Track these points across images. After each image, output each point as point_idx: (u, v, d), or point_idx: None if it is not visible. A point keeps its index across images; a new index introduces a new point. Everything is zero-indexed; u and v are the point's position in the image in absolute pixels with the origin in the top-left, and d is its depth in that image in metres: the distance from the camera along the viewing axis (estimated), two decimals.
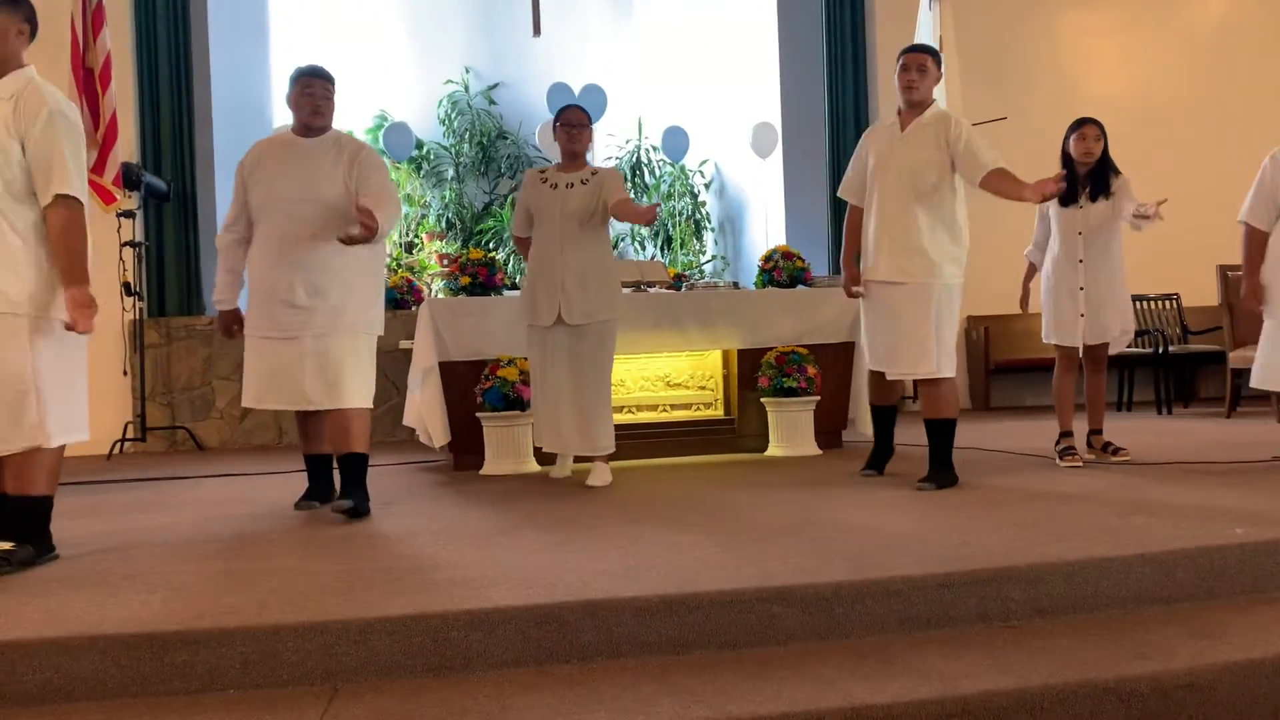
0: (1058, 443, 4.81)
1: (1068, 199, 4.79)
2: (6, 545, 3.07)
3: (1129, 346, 5.33)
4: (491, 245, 9.03)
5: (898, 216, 4.25)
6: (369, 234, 3.74)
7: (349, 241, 3.77)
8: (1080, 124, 4.85)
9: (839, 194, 4.65)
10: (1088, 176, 4.80)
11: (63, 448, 3.21)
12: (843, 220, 4.68)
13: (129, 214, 7.15)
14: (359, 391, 3.99)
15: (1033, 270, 5.10)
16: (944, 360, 4.22)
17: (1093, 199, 4.78)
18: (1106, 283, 4.79)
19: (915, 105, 4.32)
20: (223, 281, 4.14)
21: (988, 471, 4.58)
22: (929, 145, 4.23)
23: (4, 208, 3.07)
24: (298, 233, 3.90)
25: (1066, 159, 4.85)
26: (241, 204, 4.06)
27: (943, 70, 4.38)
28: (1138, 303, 8.10)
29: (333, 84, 4.10)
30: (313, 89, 4.02)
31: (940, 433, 4.25)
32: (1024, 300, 5.15)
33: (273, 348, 3.96)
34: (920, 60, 4.33)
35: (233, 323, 4.16)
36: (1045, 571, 2.68)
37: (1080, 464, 4.67)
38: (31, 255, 3.10)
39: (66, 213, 3.11)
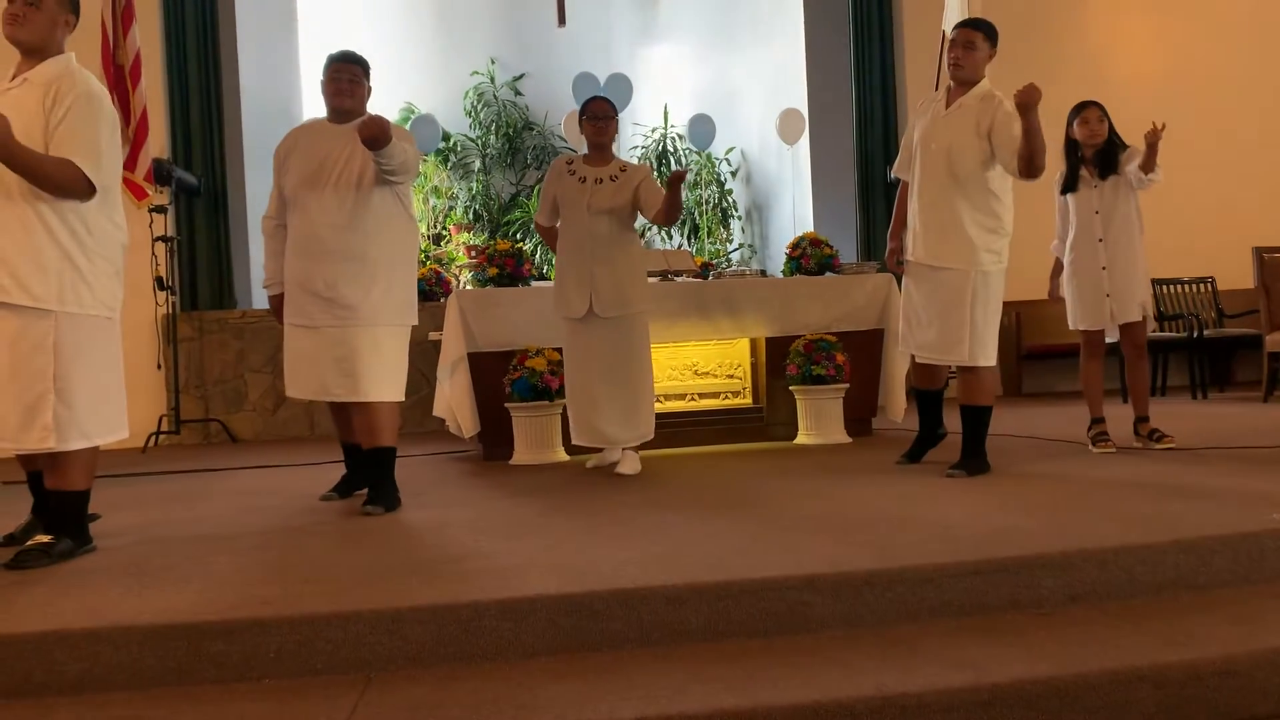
0: (1089, 428, 4.76)
1: (1066, 187, 4.78)
2: (45, 538, 3.12)
3: (1160, 330, 5.27)
4: (519, 236, 9.05)
5: (936, 199, 4.16)
6: (368, 129, 3.62)
7: (365, 138, 3.64)
8: (1082, 108, 4.79)
9: (893, 173, 4.58)
10: (1095, 157, 4.75)
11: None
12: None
13: (161, 209, 7.22)
14: (380, 384, 3.91)
15: (1059, 265, 5.02)
16: (978, 348, 4.13)
17: (1103, 177, 4.73)
18: (1128, 260, 4.72)
19: (963, 83, 4.20)
20: (271, 267, 4.12)
21: (1019, 458, 4.54)
22: (968, 129, 4.10)
23: (33, 200, 3.02)
24: (321, 219, 3.88)
25: (1070, 145, 4.81)
26: (279, 190, 4.07)
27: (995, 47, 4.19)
28: (1172, 286, 8.02)
29: (363, 68, 4.06)
30: (340, 73, 4.00)
31: (975, 420, 4.19)
32: (1053, 293, 5.07)
33: (300, 336, 3.96)
34: (968, 36, 4.18)
35: (284, 306, 4.11)
36: (1078, 558, 2.65)
37: (1113, 450, 4.62)
38: (60, 250, 3.05)
39: (76, 175, 3.02)
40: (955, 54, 4.18)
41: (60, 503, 3.17)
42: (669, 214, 4.53)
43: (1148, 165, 4.59)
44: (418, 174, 3.82)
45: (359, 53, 4.11)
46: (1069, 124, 4.82)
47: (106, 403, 3.18)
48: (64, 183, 3.03)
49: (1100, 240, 4.72)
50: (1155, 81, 8.64)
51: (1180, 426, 5.07)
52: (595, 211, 4.64)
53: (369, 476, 3.97)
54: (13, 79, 3.16)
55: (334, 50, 4.13)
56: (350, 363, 3.87)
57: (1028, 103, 3.86)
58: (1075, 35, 8.84)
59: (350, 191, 3.88)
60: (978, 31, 4.21)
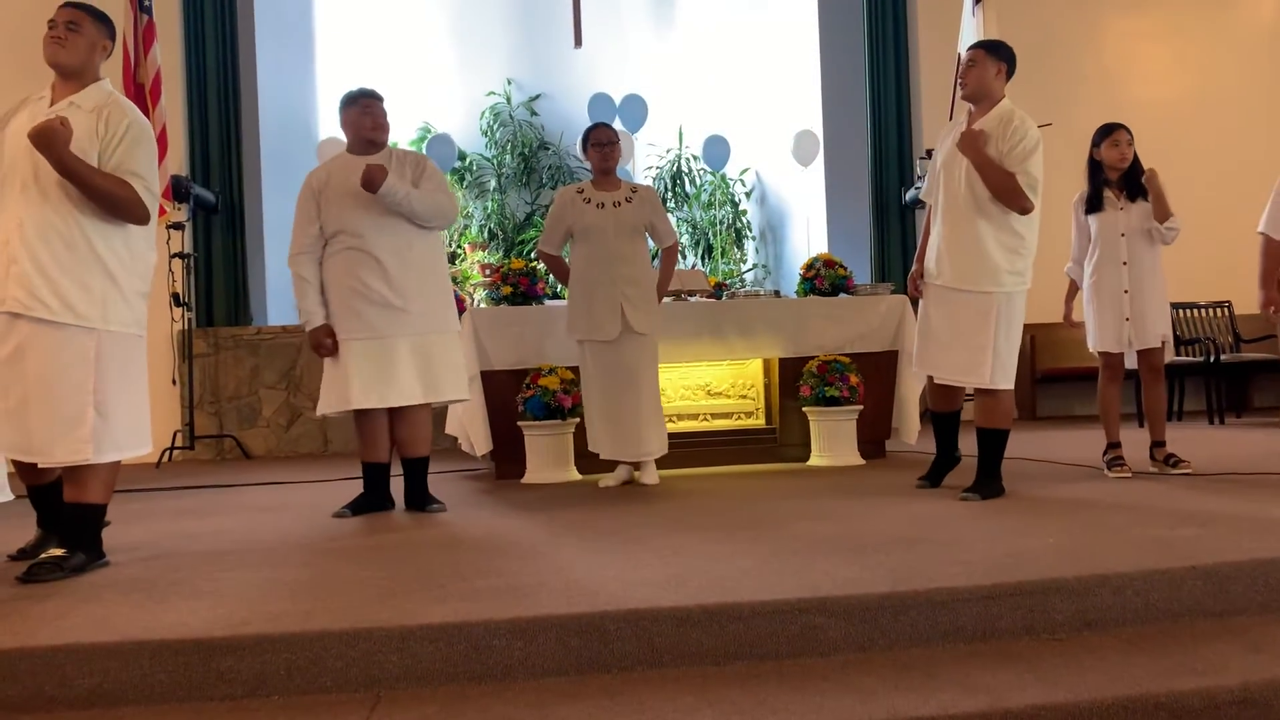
0: (1105, 453, 4.73)
1: (1091, 207, 4.75)
2: (59, 551, 3.13)
3: (1177, 355, 5.25)
4: (533, 255, 9.08)
5: (959, 222, 4.13)
6: (369, 177, 4.04)
7: (366, 184, 4.05)
8: (1111, 129, 4.76)
9: (920, 197, 4.59)
10: (1122, 180, 4.74)
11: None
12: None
13: (178, 226, 7.28)
14: (457, 386, 4.31)
15: (1074, 288, 4.98)
16: (999, 372, 4.09)
17: (1131, 199, 4.71)
18: (1150, 285, 4.70)
19: (977, 102, 4.18)
20: (313, 300, 4.24)
21: (1034, 482, 4.51)
22: (987, 150, 4.08)
23: (80, 219, 3.10)
24: (380, 243, 4.13)
25: (1094, 165, 4.78)
26: (314, 223, 4.23)
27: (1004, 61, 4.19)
28: (1189, 310, 7.98)
29: (383, 102, 4.40)
30: (373, 108, 4.31)
31: (991, 443, 4.16)
32: (1068, 317, 5.02)
33: (364, 349, 4.13)
34: (970, 55, 4.21)
35: (327, 335, 4.20)
36: (1093, 584, 2.63)
37: (1129, 475, 4.59)
38: (104, 270, 3.13)
39: (134, 198, 3.16)
40: (959, 74, 4.28)
41: (79, 516, 3.18)
42: (667, 272, 5.11)
43: (1160, 213, 4.61)
44: (452, 222, 4.37)
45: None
46: (1094, 145, 4.79)
47: (137, 417, 3.25)
48: (121, 203, 3.15)
49: (1124, 264, 4.70)
50: (1172, 104, 8.63)
51: (1197, 452, 5.03)
52: (621, 232, 4.84)
53: (414, 484, 4.30)
54: (53, 102, 3.22)
55: (352, 88, 4.41)
56: (429, 367, 4.19)
57: (964, 148, 4.06)
58: (1093, 57, 8.84)
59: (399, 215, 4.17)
60: (979, 49, 4.24)
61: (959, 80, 4.24)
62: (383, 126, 4.32)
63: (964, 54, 4.31)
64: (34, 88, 3.35)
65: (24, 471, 3.33)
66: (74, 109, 3.17)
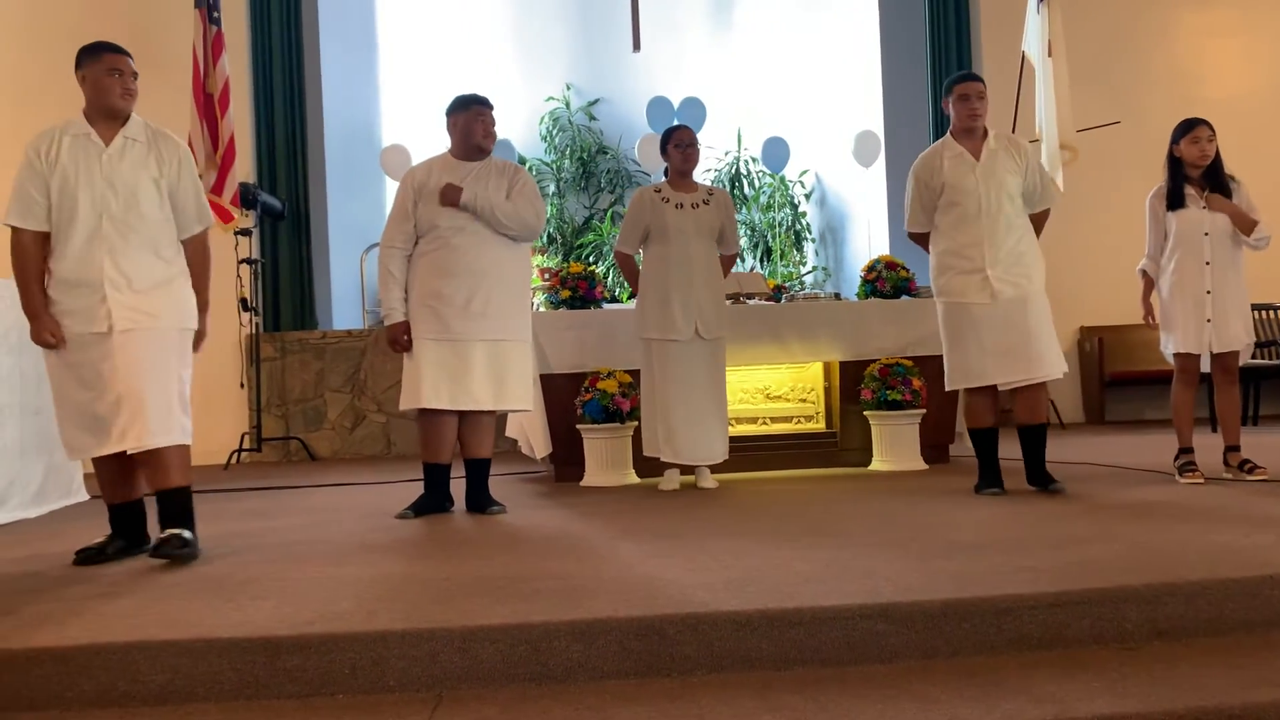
0: (1177, 458, 4.62)
1: (1176, 202, 4.62)
2: (176, 530, 3.37)
3: (1251, 357, 5.09)
4: (591, 259, 9.11)
5: (1007, 235, 4.38)
6: (446, 200, 4.22)
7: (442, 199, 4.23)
8: (1192, 125, 4.63)
9: (909, 229, 4.71)
10: (1203, 177, 4.61)
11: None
12: None
13: (246, 232, 7.44)
14: (524, 396, 4.37)
15: (1150, 284, 4.84)
16: (1060, 361, 4.42)
17: None
18: (1233, 286, 4.58)
19: (978, 132, 4.49)
20: (396, 296, 4.33)
21: (1103, 487, 4.42)
22: (1010, 168, 4.43)
23: (158, 237, 3.50)
24: (475, 248, 4.21)
25: (1174, 162, 4.66)
26: (409, 220, 4.29)
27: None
28: (1264, 312, 7.76)
29: (493, 110, 4.45)
30: (485, 115, 4.37)
31: (1042, 437, 4.41)
32: (1150, 315, 4.84)
33: (442, 350, 4.20)
34: (981, 89, 4.51)
35: (404, 333, 4.29)
36: (1164, 592, 2.56)
37: (1201, 481, 4.47)
38: (184, 278, 3.57)
39: (205, 243, 3.67)
40: (972, 107, 4.46)
41: (181, 499, 3.45)
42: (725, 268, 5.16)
43: (1244, 227, 4.55)
44: (537, 233, 4.50)
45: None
46: (1174, 141, 4.67)
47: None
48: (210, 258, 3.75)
49: (1208, 263, 4.58)
50: (1247, 103, 8.40)
51: (1272, 458, 4.89)
52: (700, 233, 4.90)
53: (475, 485, 4.37)
54: (106, 140, 3.49)
55: (464, 92, 4.47)
56: (501, 375, 4.27)
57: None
58: (1163, 55, 8.65)
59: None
60: (983, 82, 4.57)
61: (974, 113, 4.45)
62: (492, 135, 4.39)
63: (964, 85, 4.51)
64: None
65: (112, 486, 3.54)
66: (132, 143, 3.51)
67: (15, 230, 3.42)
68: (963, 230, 4.42)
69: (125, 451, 3.36)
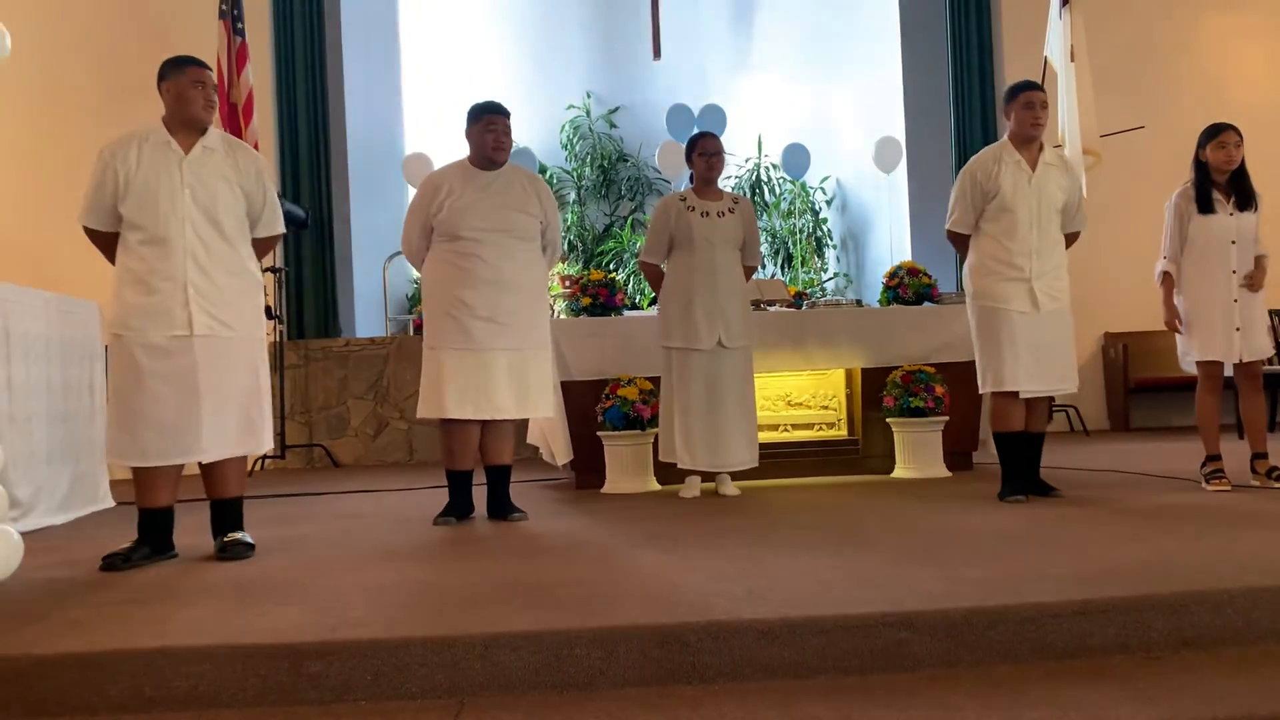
0: (1203, 465, 4.57)
1: (1204, 207, 4.57)
2: (238, 534, 3.62)
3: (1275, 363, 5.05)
4: (612, 266, 9.12)
5: (1051, 248, 4.45)
6: None
7: None
8: (1218, 130, 4.58)
9: (951, 228, 4.62)
10: (1229, 184, 4.57)
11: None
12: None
13: None
14: (546, 403, 4.42)
15: (1172, 285, 4.71)
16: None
17: (1240, 208, 4.55)
18: (1257, 295, 4.57)
19: (1036, 143, 4.48)
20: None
21: (1127, 495, 4.39)
22: (1059, 182, 4.48)
23: (238, 243, 3.62)
24: (498, 259, 4.23)
25: (1200, 167, 4.62)
26: (427, 221, 4.32)
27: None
28: (1279, 318, 7.68)
29: (509, 118, 4.40)
30: (496, 125, 4.34)
31: (1041, 445, 4.56)
32: (1174, 319, 4.68)
33: (466, 359, 4.21)
34: (1043, 98, 4.48)
35: (439, 332, 4.38)
36: (1190, 600, 2.54)
37: (1228, 488, 4.43)
38: (258, 286, 3.72)
39: (269, 250, 3.82)
40: (1039, 115, 4.43)
41: (237, 508, 3.71)
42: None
43: (1255, 285, 4.58)
44: (557, 257, 4.65)
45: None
46: (1200, 145, 4.63)
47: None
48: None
49: (1234, 272, 4.54)
50: (1272, 107, 8.32)
51: None
52: (725, 242, 4.88)
53: (497, 492, 4.39)
54: (186, 149, 3.56)
55: (480, 100, 4.44)
56: (524, 383, 4.29)
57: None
58: (1189, 59, 8.59)
59: (522, 233, 4.32)
60: (1043, 91, 4.54)
61: (1037, 121, 4.43)
62: (504, 147, 4.34)
63: (1028, 94, 4.45)
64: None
65: (154, 492, 3.56)
66: (210, 153, 3.60)
67: (89, 229, 3.59)
68: (1013, 238, 4.40)
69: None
